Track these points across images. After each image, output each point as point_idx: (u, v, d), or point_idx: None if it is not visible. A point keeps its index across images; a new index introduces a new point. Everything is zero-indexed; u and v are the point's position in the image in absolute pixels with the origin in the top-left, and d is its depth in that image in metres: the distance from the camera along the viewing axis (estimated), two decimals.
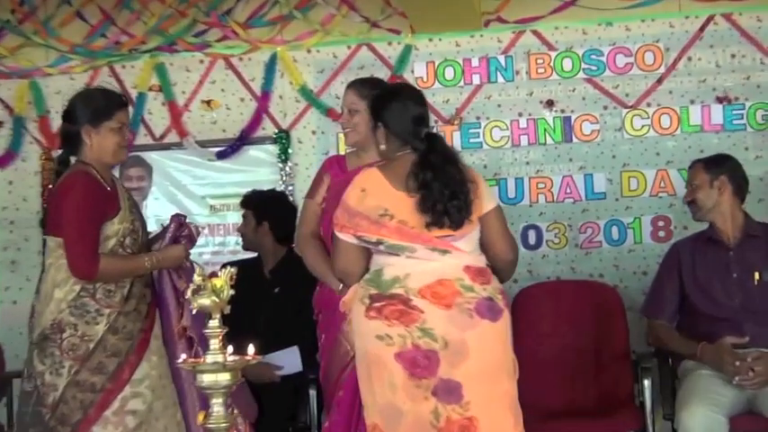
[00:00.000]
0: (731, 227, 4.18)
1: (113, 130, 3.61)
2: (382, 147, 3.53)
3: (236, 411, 3.41)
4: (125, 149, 3.75)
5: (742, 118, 5.15)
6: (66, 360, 3.41)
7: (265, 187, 5.15)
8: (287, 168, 5.43)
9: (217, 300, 2.53)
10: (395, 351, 3.26)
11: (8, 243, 5.65)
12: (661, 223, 5.19)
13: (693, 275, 4.21)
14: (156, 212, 5.51)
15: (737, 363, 3.82)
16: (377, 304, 3.31)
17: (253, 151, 5.57)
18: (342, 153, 4.66)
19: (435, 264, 3.33)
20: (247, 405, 3.90)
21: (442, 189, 3.32)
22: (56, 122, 5.52)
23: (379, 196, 3.37)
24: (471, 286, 3.31)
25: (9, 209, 5.66)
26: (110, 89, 3.97)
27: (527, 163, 5.21)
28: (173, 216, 3.89)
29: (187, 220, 3.94)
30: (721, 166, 4.22)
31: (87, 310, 3.48)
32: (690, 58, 5.23)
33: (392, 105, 3.54)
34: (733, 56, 5.20)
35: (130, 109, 5.26)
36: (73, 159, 3.70)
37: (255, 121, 5.54)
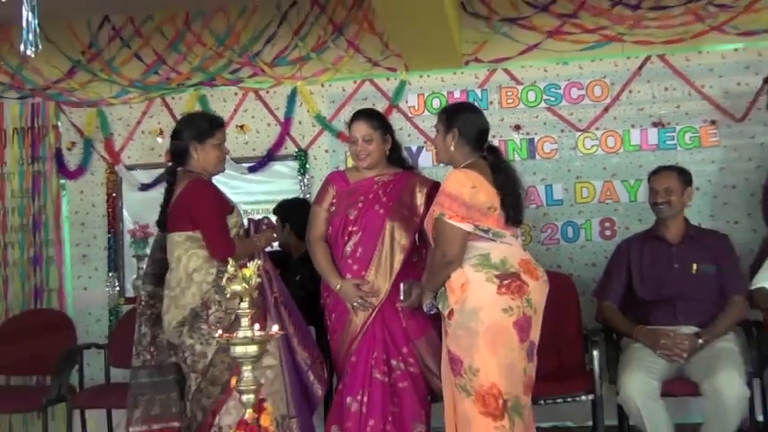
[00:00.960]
0: (678, 228, 4.21)
1: (215, 146, 3.74)
2: (452, 149, 3.52)
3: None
4: (223, 162, 3.84)
5: (673, 139, 5.18)
6: (213, 332, 3.36)
7: (290, 196, 5.20)
8: (305, 180, 5.47)
9: (246, 286, 2.60)
10: (513, 320, 3.29)
11: (80, 240, 5.70)
12: (607, 224, 5.23)
13: (640, 266, 4.22)
14: None
15: (663, 341, 3.89)
16: (505, 281, 3.31)
17: (277, 166, 5.60)
18: (342, 169, 4.77)
19: (515, 247, 3.45)
20: (313, 346, 3.96)
21: (515, 192, 3.48)
22: (118, 143, 5.68)
23: (486, 192, 3.39)
24: (537, 263, 3.50)
25: (80, 213, 5.72)
26: (210, 113, 4.12)
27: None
28: (250, 220, 4.00)
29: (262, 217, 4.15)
30: (689, 176, 4.24)
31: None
32: (630, 91, 5.26)
33: (466, 115, 3.59)
34: (666, 89, 5.23)
35: None
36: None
37: (279, 142, 5.58)
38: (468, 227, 3.35)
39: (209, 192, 3.67)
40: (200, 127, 3.73)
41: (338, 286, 3.76)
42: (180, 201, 3.63)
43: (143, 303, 3.79)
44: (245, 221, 3.93)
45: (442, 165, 5.01)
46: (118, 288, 5.67)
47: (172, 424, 3.68)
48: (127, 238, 5.67)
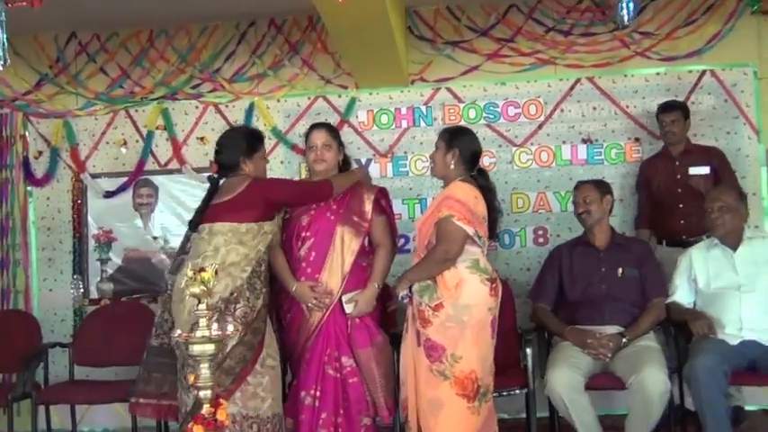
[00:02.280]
0: (604, 235, 4.23)
1: (262, 158, 3.86)
2: (451, 167, 3.66)
3: None
4: (266, 170, 3.95)
5: (600, 155, 5.24)
6: (238, 325, 3.45)
7: None
8: None
9: (205, 288, 2.53)
10: (491, 319, 3.53)
11: (46, 244, 5.62)
12: (540, 232, 5.27)
13: (570, 270, 4.26)
14: (162, 221, 5.54)
15: (590, 341, 3.95)
16: (493, 285, 3.55)
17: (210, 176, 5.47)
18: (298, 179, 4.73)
19: (489, 256, 3.70)
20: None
21: (495, 210, 3.71)
22: (83, 153, 5.60)
23: (483, 205, 3.60)
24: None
25: (47, 218, 5.63)
26: (251, 128, 4.27)
27: (441, 187, 4.99)
28: None
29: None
30: (607, 188, 4.28)
31: (255, 287, 3.59)
32: (562, 110, 5.31)
33: (468, 137, 3.75)
34: (594, 108, 5.28)
35: (141, 144, 5.46)
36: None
37: None
38: (470, 230, 3.49)
39: (273, 178, 3.93)
40: (248, 144, 3.79)
41: (294, 288, 3.76)
42: (245, 196, 3.64)
43: (168, 293, 3.75)
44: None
45: (387, 176, 5.25)
46: (82, 290, 5.58)
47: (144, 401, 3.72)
48: (91, 243, 5.60)
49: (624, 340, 3.97)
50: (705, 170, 4.70)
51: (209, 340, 2.50)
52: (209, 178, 3.87)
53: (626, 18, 3.06)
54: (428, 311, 3.50)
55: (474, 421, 3.44)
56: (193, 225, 3.73)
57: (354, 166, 4.29)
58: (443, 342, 3.44)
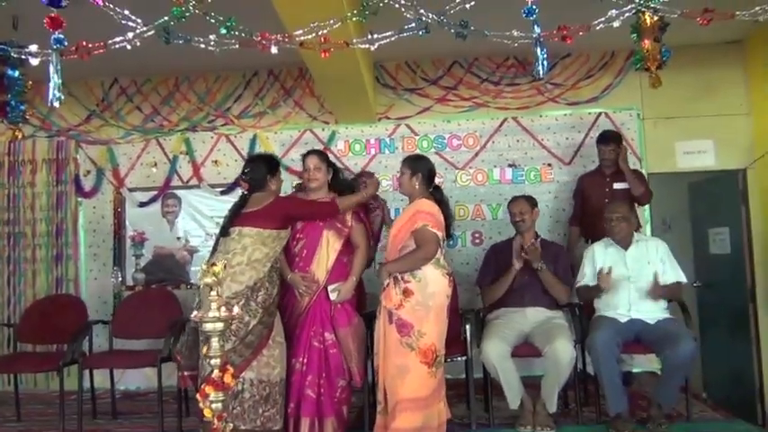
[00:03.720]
0: (530, 238, 4.12)
1: (280, 177, 3.78)
2: (416, 187, 3.59)
3: None
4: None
5: (522, 176, 5.24)
6: (259, 308, 3.41)
7: None
8: None
9: (215, 279, 2.41)
10: (447, 303, 3.48)
11: (92, 243, 5.55)
12: (477, 235, 5.25)
13: (504, 264, 4.13)
14: (184, 226, 5.46)
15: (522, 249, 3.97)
16: (450, 277, 3.51)
17: (241, 191, 5.30)
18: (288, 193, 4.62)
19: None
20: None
21: (449, 219, 3.64)
22: (122, 172, 5.52)
23: (441, 216, 3.55)
24: None
25: (93, 223, 5.56)
26: (270, 154, 4.22)
27: (401, 200, 4.77)
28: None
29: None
30: (535, 202, 4.22)
31: (273, 279, 3.51)
32: (493, 142, 5.30)
33: (427, 163, 3.68)
34: (518, 140, 5.29)
35: (168, 165, 5.40)
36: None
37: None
38: (439, 234, 3.48)
39: (292, 197, 3.84)
40: (271, 166, 3.74)
41: (289, 277, 3.69)
42: (272, 208, 3.58)
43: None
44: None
45: None
46: (120, 279, 5.51)
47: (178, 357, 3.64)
48: (128, 242, 5.54)
49: (541, 265, 4.00)
50: (626, 185, 4.61)
51: (218, 320, 2.41)
52: (243, 195, 3.75)
53: (541, 72, 3.00)
54: (399, 297, 3.44)
55: (431, 382, 3.41)
56: (224, 231, 3.62)
57: (344, 175, 4.13)
58: (412, 321, 3.40)
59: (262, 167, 3.69)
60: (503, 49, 5.08)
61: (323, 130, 5.46)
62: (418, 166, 3.63)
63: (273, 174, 3.71)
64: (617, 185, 4.62)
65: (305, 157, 3.87)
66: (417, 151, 5.25)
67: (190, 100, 5.56)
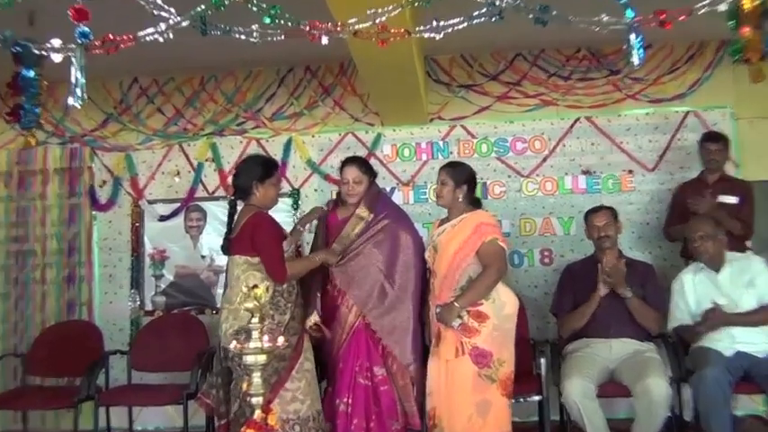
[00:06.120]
0: (615, 256, 3.98)
1: (273, 185, 3.62)
2: (460, 199, 3.63)
3: None
4: (278, 198, 3.72)
5: (599, 185, 5.14)
6: (288, 337, 3.25)
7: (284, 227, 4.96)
8: (297, 214, 5.20)
9: (257, 303, 2.43)
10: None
11: (108, 262, 5.51)
12: (546, 253, 5.13)
13: (583, 287, 4.03)
14: (210, 243, 5.37)
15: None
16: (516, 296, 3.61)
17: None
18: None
19: None
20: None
21: None
22: (142, 182, 5.53)
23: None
24: None
25: (108, 239, 5.52)
26: (268, 156, 4.07)
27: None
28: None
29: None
30: (616, 214, 4.12)
31: (279, 305, 3.42)
32: (564, 145, 5.21)
33: (470, 173, 3.71)
34: (592, 144, 5.19)
35: (192, 174, 5.39)
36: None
37: None
38: (507, 248, 3.56)
39: (268, 224, 3.52)
40: (262, 169, 3.60)
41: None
42: (243, 231, 3.49)
43: None
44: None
45: (409, 202, 5.23)
46: (138, 302, 5.46)
47: (207, 401, 3.58)
48: (147, 261, 5.51)
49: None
50: (734, 200, 4.43)
51: (261, 351, 2.38)
52: (229, 201, 3.71)
53: (637, 61, 2.88)
54: (474, 323, 3.40)
55: (509, 416, 3.46)
56: (224, 250, 3.62)
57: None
58: (492, 349, 3.39)
59: (250, 171, 3.60)
60: (572, 40, 5.13)
61: (366, 132, 5.42)
62: (461, 176, 3.65)
63: (263, 179, 3.57)
64: (723, 198, 4.41)
65: (343, 165, 3.84)
66: (475, 156, 5.23)
67: (217, 100, 5.54)
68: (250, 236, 3.46)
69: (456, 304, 3.40)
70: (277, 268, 3.43)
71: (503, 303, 3.44)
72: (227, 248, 3.60)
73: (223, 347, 3.48)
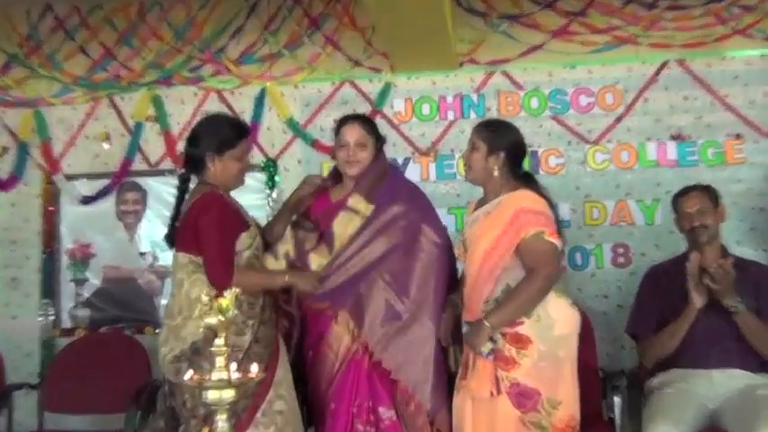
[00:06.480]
0: (715, 255, 4.00)
1: (236, 158, 3.60)
2: (495, 173, 3.56)
3: None
4: (243, 175, 3.70)
5: (694, 155, 5.13)
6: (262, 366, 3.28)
7: (256, 212, 4.64)
8: (273, 194, 5.31)
9: (222, 319, 2.42)
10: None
11: (9, 261, 5.52)
12: (621, 250, 5.12)
13: (674, 298, 4.01)
14: (151, 235, 5.41)
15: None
16: (578, 309, 3.56)
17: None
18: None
19: None
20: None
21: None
22: (57, 149, 5.59)
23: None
24: None
25: (11, 229, 5.54)
26: (234, 118, 4.04)
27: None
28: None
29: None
30: (717, 194, 4.14)
31: (235, 321, 3.25)
32: (646, 99, 5.22)
33: (513, 134, 3.65)
34: (685, 98, 5.19)
35: (128, 138, 5.43)
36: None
37: None
38: (560, 244, 3.44)
39: (218, 209, 3.48)
40: (222, 136, 3.58)
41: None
42: (187, 218, 3.50)
43: None
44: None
45: (430, 179, 5.25)
46: (53, 317, 5.48)
47: None
48: (64, 260, 5.53)
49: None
50: None
51: (228, 384, 2.39)
52: (179, 176, 3.73)
53: None
54: (511, 350, 3.36)
55: None
56: (169, 241, 3.65)
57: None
58: (539, 386, 3.34)
59: (206, 137, 3.60)
60: None
61: (370, 81, 5.44)
62: (500, 140, 3.60)
63: (222, 150, 3.56)
64: None
65: (340, 125, 3.88)
66: (522, 114, 5.25)
67: (162, 37, 5.54)
68: (193, 224, 3.45)
69: (486, 323, 3.38)
70: (217, 269, 3.40)
71: (552, 322, 3.37)
72: (173, 240, 3.64)
73: (168, 381, 3.47)
